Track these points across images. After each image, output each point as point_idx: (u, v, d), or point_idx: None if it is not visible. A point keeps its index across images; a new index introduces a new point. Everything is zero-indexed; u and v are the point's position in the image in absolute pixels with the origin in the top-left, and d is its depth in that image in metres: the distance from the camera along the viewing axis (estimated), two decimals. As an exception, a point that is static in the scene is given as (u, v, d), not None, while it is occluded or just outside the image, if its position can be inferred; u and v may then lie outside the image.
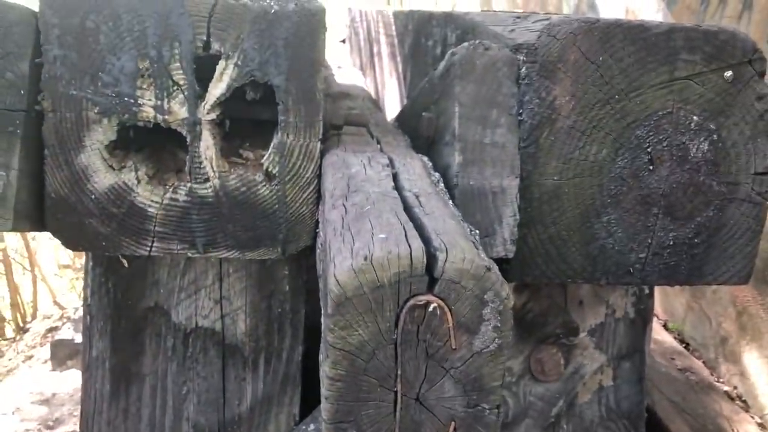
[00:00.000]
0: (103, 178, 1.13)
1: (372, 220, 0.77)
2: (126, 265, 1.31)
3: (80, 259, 9.93)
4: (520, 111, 1.16)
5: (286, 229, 1.20)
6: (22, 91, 1.07)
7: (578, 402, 1.58)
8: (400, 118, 1.77)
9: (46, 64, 1.08)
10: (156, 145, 1.23)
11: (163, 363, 1.45)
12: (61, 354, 4.99)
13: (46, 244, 9.81)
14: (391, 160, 1.10)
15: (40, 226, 1.14)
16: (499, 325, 0.69)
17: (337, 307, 0.68)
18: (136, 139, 1.18)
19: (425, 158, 1.20)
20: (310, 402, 1.52)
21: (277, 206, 1.18)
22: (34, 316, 7.94)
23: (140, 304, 1.43)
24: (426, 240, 0.71)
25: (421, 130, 1.32)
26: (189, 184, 1.16)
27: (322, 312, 0.81)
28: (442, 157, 1.20)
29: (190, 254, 1.20)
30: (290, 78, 1.13)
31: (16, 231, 1.13)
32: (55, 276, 9.48)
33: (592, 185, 1.18)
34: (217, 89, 1.12)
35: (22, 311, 8.03)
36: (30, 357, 5.88)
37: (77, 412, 3.75)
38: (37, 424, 3.55)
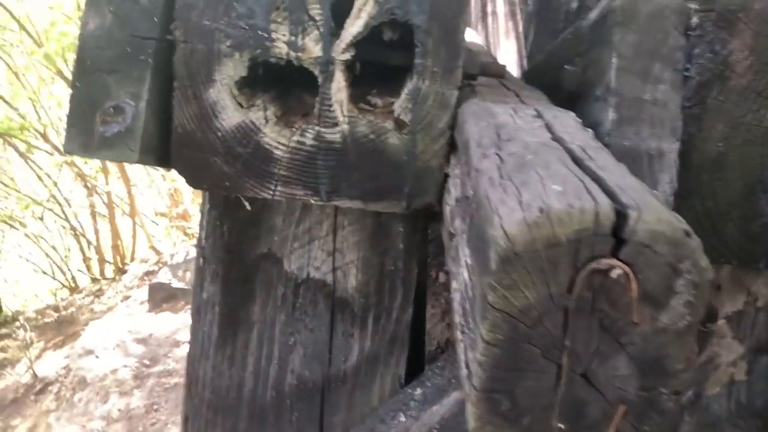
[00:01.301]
0: (231, 116, 1.09)
1: (539, 170, 0.68)
2: (249, 207, 1.28)
3: (176, 208, 10.33)
4: (687, 66, 1.03)
5: (413, 182, 1.13)
6: (155, 19, 1.03)
7: (706, 394, 1.45)
8: (529, 76, 1.65)
9: (181, -8, 1.04)
10: (282, 87, 1.18)
11: (272, 312, 1.42)
12: (158, 297, 5.19)
13: (145, 191, 10.24)
14: (538, 112, 1.00)
15: (165, 161, 1.12)
16: (692, 300, 0.59)
17: (502, 264, 0.59)
18: (263, 78, 1.13)
19: (572, 114, 1.09)
20: (413, 364, 1.47)
21: (405, 157, 1.11)
22: (132, 259, 8.33)
23: (253, 250, 1.40)
24: (610, 195, 0.61)
25: (562, 84, 1.21)
26: (317, 128, 1.10)
27: (471, 270, 0.73)
28: (590, 114, 1.09)
29: (312, 201, 1.15)
30: (432, 17, 1.05)
31: (141, 163, 1.11)
32: (151, 222, 9.90)
33: (762, 155, 1.04)
34: (353, 27, 1.05)
35: (122, 254, 8.44)
36: (128, 297, 6.17)
37: (172, 354, 3.91)
38: (135, 361, 3.70)
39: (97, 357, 3.76)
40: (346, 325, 1.43)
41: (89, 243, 9.33)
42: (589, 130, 0.99)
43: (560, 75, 1.22)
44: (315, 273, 1.41)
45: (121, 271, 7.73)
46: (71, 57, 8.09)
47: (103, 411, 3.29)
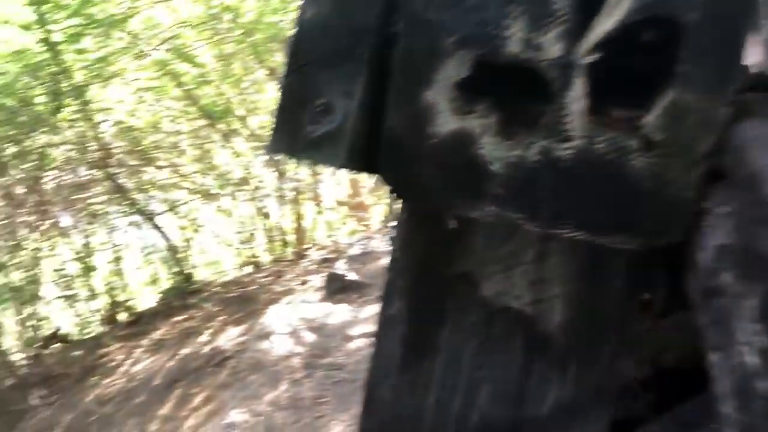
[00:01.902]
0: (446, 122, 0.96)
1: None
2: (455, 225, 1.15)
3: (355, 198, 10.63)
4: None
5: (657, 216, 0.92)
6: (377, 9, 0.92)
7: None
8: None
9: (405, -21, 0.92)
10: (503, 94, 1.03)
11: (462, 340, 1.28)
12: (334, 287, 5.30)
13: (326, 179, 10.62)
14: None
15: (371, 167, 1.01)
16: None
17: None
18: (484, 82, 0.99)
19: None
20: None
21: (651, 184, 0.91)
22: (311, 245, 8.68)
23: (448, 269, 1.27)
24: None
25: None
26: (544, 142, 0.93)
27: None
28: None
29: (529, 226, 0.99)
30: (707, 15, 0.84)
31: (346, 168, 1.01)
32: (330, 210, 10.26)
33: None
34: (604, 25, 0.87)
35: (302, 239, 8.82)
36: (305, 282, 6.40)
37: (342, 348, 3.95)
38: (307, 350, 3.79)
39: (272, 342, 3.89)
40: (544, 367, 1.26)
41: (273, 225, 9.89)
42: None
43: None
44: (514, 303, 1.24)
45: (300, 255, 8.07)
46: (274, 47, 8.58)
47: (272, 396, 3.39)
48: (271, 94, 9.91)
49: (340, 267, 5.38)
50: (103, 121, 8.36)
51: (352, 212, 10.93)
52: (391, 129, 0.97)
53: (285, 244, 9.46)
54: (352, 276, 5.15)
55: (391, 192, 1.02)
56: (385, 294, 1.36)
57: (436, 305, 1.29)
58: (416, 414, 1.32)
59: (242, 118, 9.00)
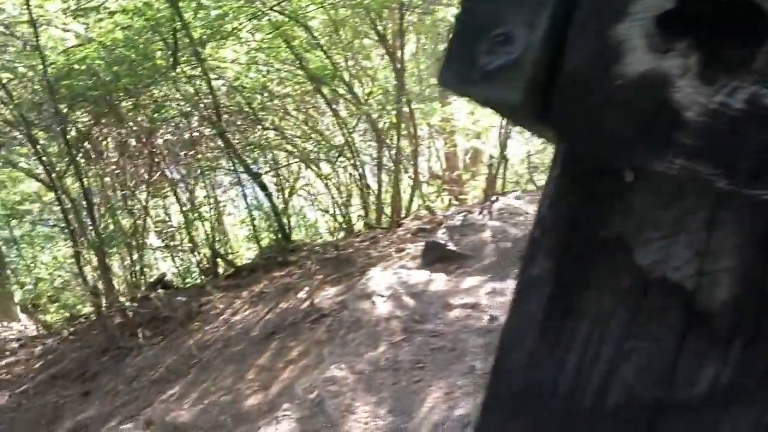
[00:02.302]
0: (638, 61, 0.86)
1: None
2: (631, 179, 1.06)
3: (450, 172, 10.51)
4: None
5: None
6: (575, -71, 0.84)
7: None
8: None
9: None
10: (702, 34, 0.92)
11: (610, 307, 1.19)
12: (432, 256, 5.26)
13: (424, 151, 10.53)
14: None
15: (543, 108, 0.93)
16: None
17: None
18: (683, 18, 0.89)
19: None
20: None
21: None
22: (407, 215, 8.67)
23: (601, 231, 1.17)
24: None
25: None
26: (754, 88, 0.83)
27: None
28: None
29: (721, 184, 0.88)
30: None
31: (520, 108, 0.93)
32: (425, 183, 10.19)
33: None
34: None
35: (398, 208, 8.82)
36: (402, 250, 6.41)
37: (442, 315, 3.91)
38: (406, 315, 3.77)
39: (373, 302, 3.90)
40: (701, 346, 1.15)
41: (371, 192, 9.95)
42: None
43: None
44: (673, 274, 1.14)
45: (396, 224, 8.09)
46: (385, 14, 8.53)
47: (371, 356, 3.40)
48: (377, 62, 9.91)
49: (440, 236, 5.33)
50: (217, 78, 8.61)
51: (447, 186, 10.86)
52: (572, 66, 0.89)
53: (381, 212, 9.52)
54: (451, 246, 5.10)
55: (563, 139, 0.94)
56: (528, 254, 1.28)
57: (585, 268, 1.20)
58: (552, 381, 1.24)
59: (348, 84, 9.04)
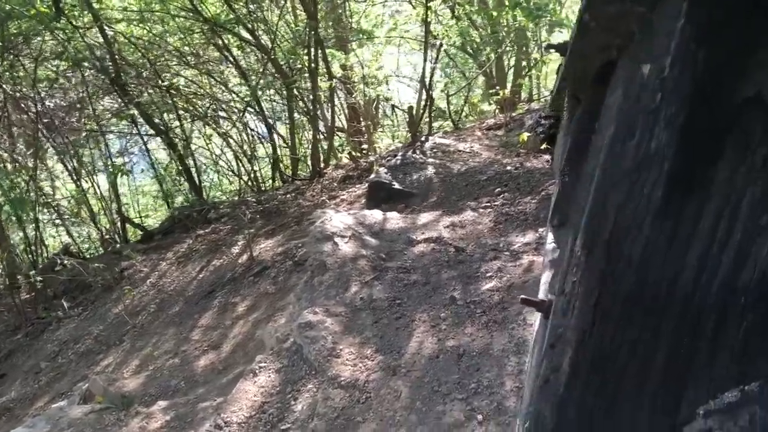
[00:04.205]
0: None
1: None
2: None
3: (356, 123, 10.29)
4: None
5: None
6: None
7: None
8: None
9: None
10: None
11: (744, 180, 1.05)
12: (379, 196, 5.05)
13: (325, 106, 10.22)
14: None
15: None
16: None
17: None
18: None
19: None
20: None
21: None
22: (326, 166, 8.40)
23: (734, 92, 1.03)
24: None
25: None
26: None
27: None
28: None
29: None
30: None
31: None
32: (330, 136, 9.90)
33: None
34: None
35: (318, 158, 8.53)
36: (334, 197, 6.17)
37: (408, 252, 3.73)
38: (372, 253, 3.56)
39: (335, 243, 3.68)
40: None
41: (284, 144, 9.59)
42: None
43: None
44: (815, 132, 1.02)
45: (318, 173, 7.81)
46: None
47: (345, 298, 3.20)
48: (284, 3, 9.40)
49: (383, 176, 5.13)
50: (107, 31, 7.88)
51: (353, 138, 10.65)
52: None
53: (296, 164, 9.19)
54: (396, 185, 4.92)
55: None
56: (643, 128, 1.12)
57: (716, 136, 1.06)
58: (672, 271, 1.11)
59: (251, 30, 8.54)
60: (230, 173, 10.82)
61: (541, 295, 2.10)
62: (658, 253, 1.10)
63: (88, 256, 8.35)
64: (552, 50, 2.25)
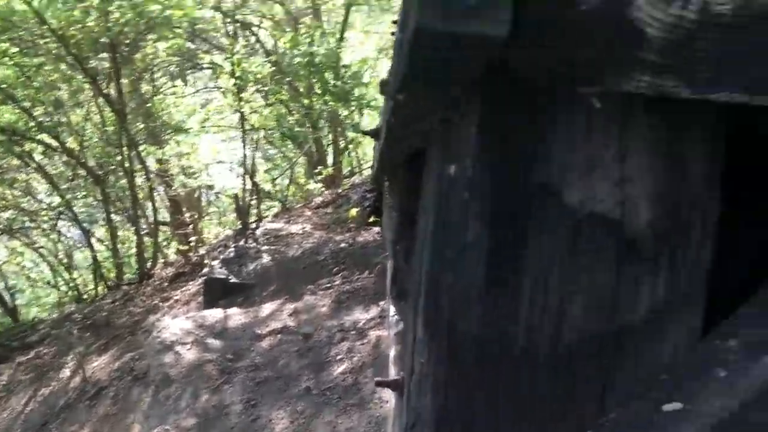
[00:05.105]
0: (600, -17, 0.87)
1: None
2: (598, 106, 1.06)
3: (180, 216, 10.02)
4: None
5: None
6: None
7: None
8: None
9: None
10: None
11: (548, 255, 1.19)
12: (214, 293, 4.90)
13: (146, 203, 9.91)
14: None
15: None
16: None
17: None
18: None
19: None
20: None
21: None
22: (154, 265, 8.05)
23: (527, 181, 1.18)
24: None
25: None
26: (706, -2, 0.88)
27: None
28: None
29: (684, 94, 0.93)
30: None
31: (506, 36, 0.87)
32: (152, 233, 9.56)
33: None
34: None
35: (144, 259, 8.15)
36: (167, 299, 5.90)
37: (254, 347, 3.65)
38: (218, 356, 3.44)
39: (176, 353, 3.50)
40: (635, 271, 1.21)
41: (95, 254, 9.06)
42: None
43: None
44: (599, 207, 1.19)
45: (146, 275, 7.45)
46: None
47: (196, 408, 3.04)
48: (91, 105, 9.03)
49: (217, 272, 5.01)
50: None
51: (178, 231, 10.35)
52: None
53: (120, 268, 8.70)
54: (233, 279, 4.82)
55: (522, 73, 0.91)
56: (458, 220, 1.23)
57: (519, 222, 1.19)
58: (507, 342, 1.21)
59: (57, 136, 8.11)
60: (47, 285, 10.00)
61: (392, 370, 2.15)
62: (492, 326, 1.20)
63: None
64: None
